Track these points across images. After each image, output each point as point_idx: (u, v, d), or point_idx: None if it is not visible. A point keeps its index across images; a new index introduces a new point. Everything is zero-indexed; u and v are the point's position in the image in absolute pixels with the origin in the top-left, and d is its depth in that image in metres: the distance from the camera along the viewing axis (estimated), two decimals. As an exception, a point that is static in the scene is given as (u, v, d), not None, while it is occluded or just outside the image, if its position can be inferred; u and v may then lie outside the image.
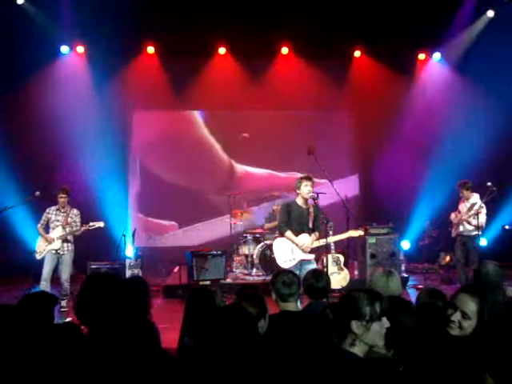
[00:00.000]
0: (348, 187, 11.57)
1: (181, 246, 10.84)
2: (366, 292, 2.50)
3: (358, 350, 2.43)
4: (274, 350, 2.52)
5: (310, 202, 6.07)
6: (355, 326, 2.41)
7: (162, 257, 9.61)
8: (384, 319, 2.44)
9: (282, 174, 11.41)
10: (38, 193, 7.84)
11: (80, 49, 10.78)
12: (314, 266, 6.03)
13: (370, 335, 2.42)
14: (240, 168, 11.65)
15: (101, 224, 7.74)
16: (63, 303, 7.49)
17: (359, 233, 7.19)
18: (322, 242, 6.19)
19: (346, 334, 2.44)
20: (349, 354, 2.42)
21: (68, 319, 6.42)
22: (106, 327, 2.60)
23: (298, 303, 4.89)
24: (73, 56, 10.84)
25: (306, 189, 6.00)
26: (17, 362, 2.45)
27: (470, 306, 2.59)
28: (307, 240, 6.04)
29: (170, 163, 11.31)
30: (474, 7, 10.51)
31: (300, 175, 6.29)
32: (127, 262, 8.98)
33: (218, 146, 11.57)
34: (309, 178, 6.07)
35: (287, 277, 3.53)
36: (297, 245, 6.03)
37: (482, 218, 7.83)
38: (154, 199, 11.14)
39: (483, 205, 7.82)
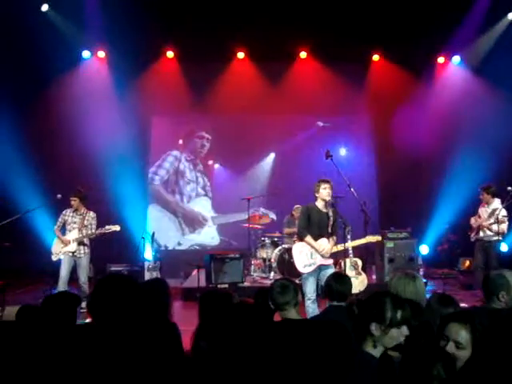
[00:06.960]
0: (367, 191, 11.52)
1: (199, 248, 10.95)
2: (392, 297, 2.56)
3: (378, 351, 2.49)
4: (277, 355, 2.57)
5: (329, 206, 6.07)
6: (374, 327, 2.47)
7: (180, 259, 9.66)
8: (404, 328, 2.49)
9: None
10: (59, 196, 7.94)
11: (101, 53, 10.97)
12: (332, 270, 6.02)
13: (387, 339, 2.48)
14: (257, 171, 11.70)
15: (117, 228, 7.76)
16: (83, 304, 7.59)
17: (377, 238, 7.19)
18: (341, 246, 6.18)
19: (366, 334, 2.50)
20: (367, 355, 2.49)
21: (88, 320, 6.51)
22: (119, 325, 2.62)
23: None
24: (94, 61, 11.03)
25: (324, 191, 6.00)
26: (41, 360, 2.51)
27: (463, 334, 2.44)
28: (326, 245, 6.02)
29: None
30: (493, 10, 10.41)
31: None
32: (146, 264, 9.08)
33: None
34: (327, 181, 6.06)
35: (280, 285, 3.40)
36: (316, 250, 6.00)
37: (505, 226, 7.71)
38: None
39: (505, 213, 7.69)
